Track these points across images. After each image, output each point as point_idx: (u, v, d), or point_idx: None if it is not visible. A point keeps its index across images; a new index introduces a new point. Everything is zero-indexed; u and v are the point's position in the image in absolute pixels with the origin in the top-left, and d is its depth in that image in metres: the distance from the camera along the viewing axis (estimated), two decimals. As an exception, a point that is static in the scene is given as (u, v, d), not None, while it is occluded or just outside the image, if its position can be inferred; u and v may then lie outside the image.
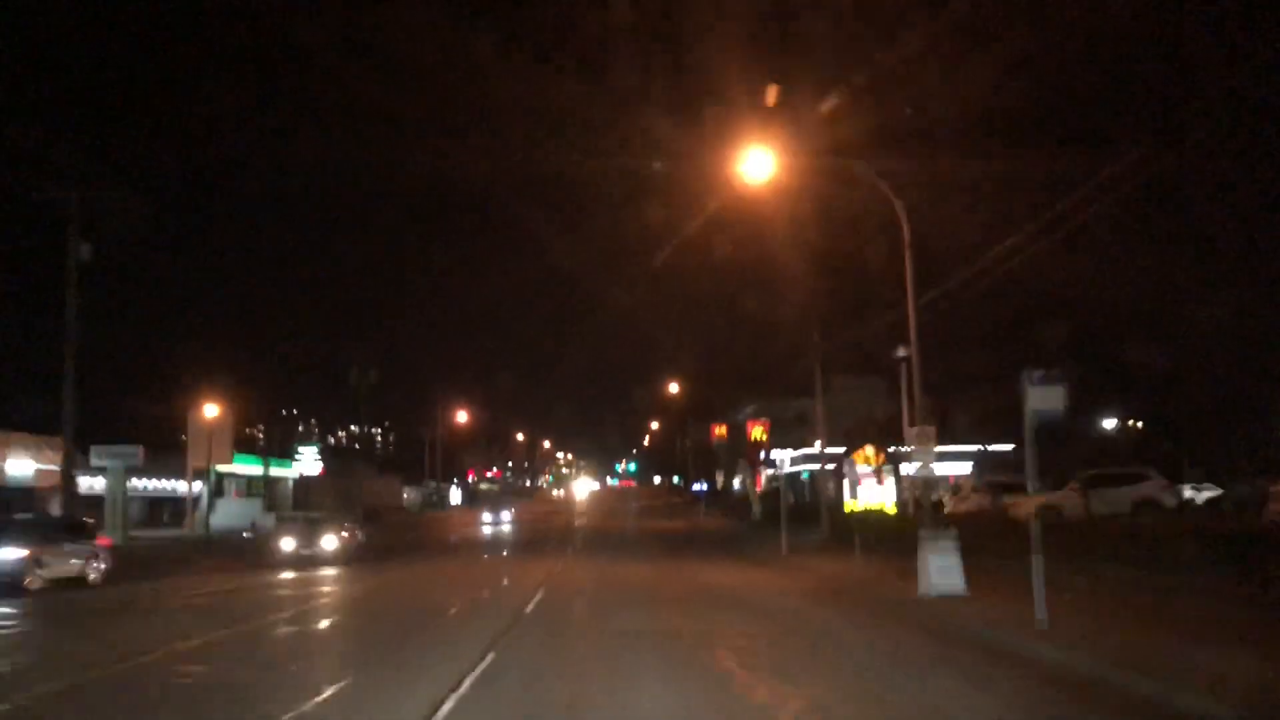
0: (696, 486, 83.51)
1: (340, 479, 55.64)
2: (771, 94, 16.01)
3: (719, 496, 62.65)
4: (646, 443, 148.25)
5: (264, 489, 56.41)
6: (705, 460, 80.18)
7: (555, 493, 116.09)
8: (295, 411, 50.63)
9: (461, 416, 73.19)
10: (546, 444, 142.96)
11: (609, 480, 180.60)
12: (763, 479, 62.50)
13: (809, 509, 33.92)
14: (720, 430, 61.55)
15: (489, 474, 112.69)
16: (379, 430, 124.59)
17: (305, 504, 56.46)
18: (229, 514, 47.72)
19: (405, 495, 77.23)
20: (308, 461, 49.43)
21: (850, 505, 30.70)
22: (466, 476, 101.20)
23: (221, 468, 49.70)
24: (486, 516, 46.40)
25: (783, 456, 51.71)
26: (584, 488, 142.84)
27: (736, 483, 61.44)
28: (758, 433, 58.82)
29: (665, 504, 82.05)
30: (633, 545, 30.76)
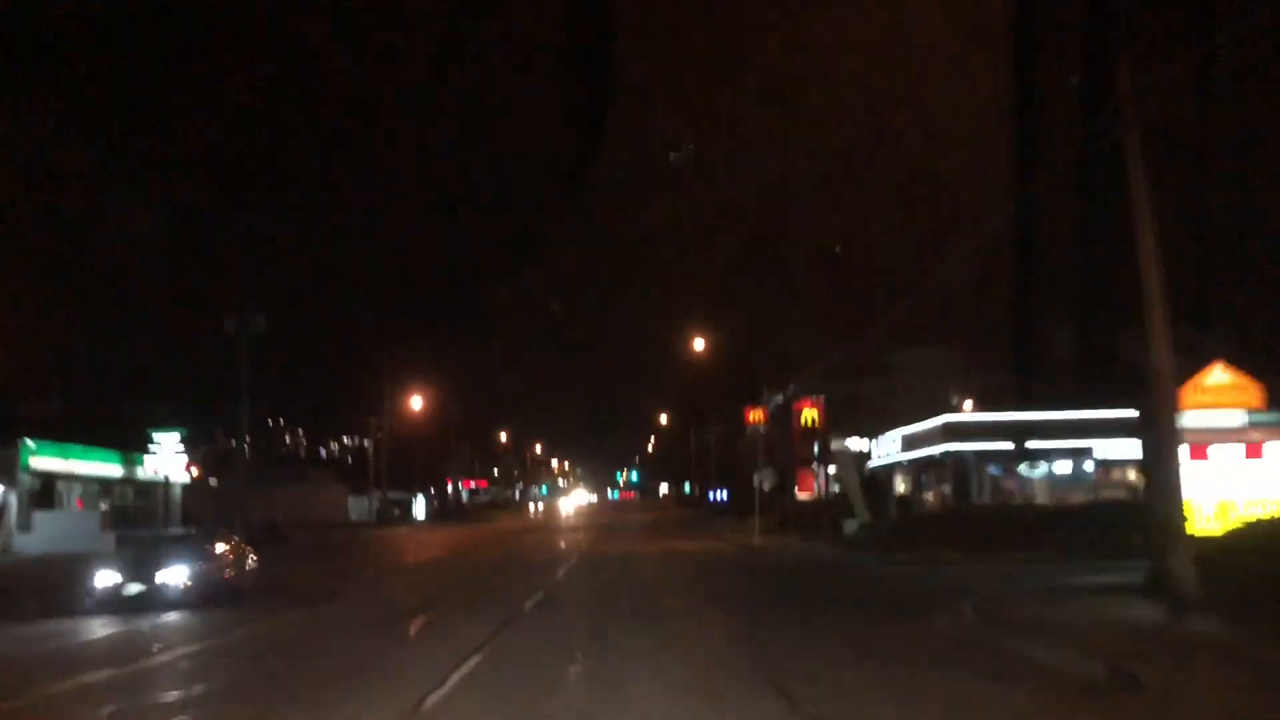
0: (715, 494, 67.95)
1: (220, 486, 40.22)
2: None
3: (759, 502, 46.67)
4: (651, 449, 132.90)
5: (131, 496, 41.04)
6: (730, 459, 64.58)
7: (532, 506, 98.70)
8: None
9: (416, 404, 57.44)
10: (538, 449, 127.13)
11: (609, 493, 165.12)
12: (814, 478, 46.93)
13: (977, 516, 18.97)
14: (757, 414, 46.05)
15: (468, 484, 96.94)
16: (364, 439, 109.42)
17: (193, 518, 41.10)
18: (54, 532, 32.33)
19: (353, 508, 61.69)
20: (167, 455, 33.88)
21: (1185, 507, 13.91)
22: (445, 486, 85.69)
23: (47, 465, 34.33)
24: (101, 580, 15.42)
25: (866, 443, 36.33)
26: (576, 499, 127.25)
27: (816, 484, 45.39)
28: (809, 416, 43.51)
29: (678, 516, 66.29)
30: (656, 632, 12.24)
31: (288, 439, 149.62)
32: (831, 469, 45.58)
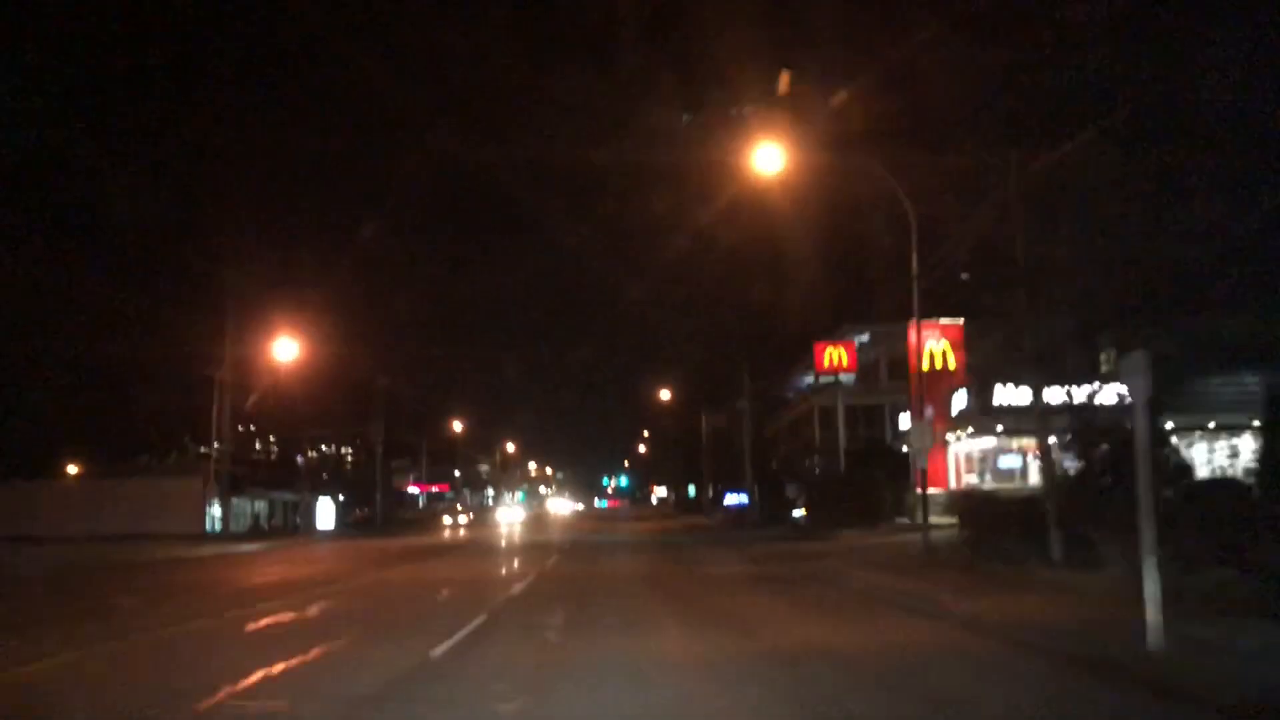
0: (733, 498, 48.74)
1: None
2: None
3: (851, 504, 26.85)
4: (644, 449, 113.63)
5: None
6: (761, 445, 45.45)
7: (453, 519, 66.90)
8: None
9: (289, 353, 37.31)
10: (510, 448, 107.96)
11: (595, 501, 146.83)
12: (949, 459, 27.73)
13: None
14: (838, 354, 27.23)
15: (415, 486, 77.82)
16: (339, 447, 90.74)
17: None
18: None
19: (217, 515, 42.52)
20: None
21: None
22: (387, 489, 66.59)
23: None
24: None
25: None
26: (557, 506, 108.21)
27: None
28: (939, 352, 24.96)
29: (689, 529, 46.66)
30: None
31: (257, 444, 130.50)
32: (984, 442, 26.44)
